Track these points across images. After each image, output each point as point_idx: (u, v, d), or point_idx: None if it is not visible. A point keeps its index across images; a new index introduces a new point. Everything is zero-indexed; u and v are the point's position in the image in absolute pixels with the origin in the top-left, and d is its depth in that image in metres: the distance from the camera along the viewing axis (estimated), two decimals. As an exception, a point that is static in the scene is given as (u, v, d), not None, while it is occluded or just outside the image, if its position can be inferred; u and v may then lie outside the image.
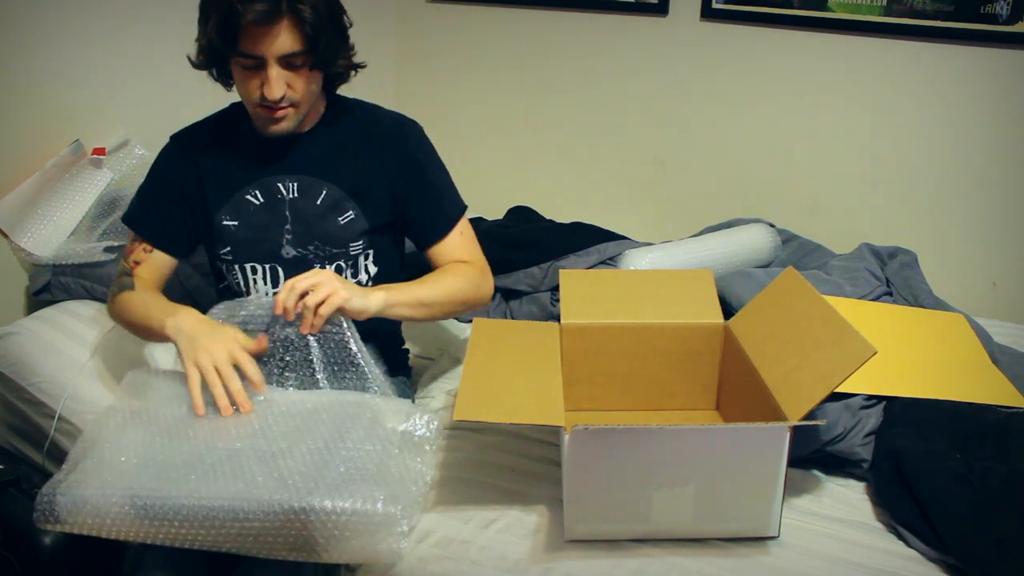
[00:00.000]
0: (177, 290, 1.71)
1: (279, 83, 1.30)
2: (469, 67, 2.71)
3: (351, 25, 1.39)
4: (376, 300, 1.33)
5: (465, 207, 1.55)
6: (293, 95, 1.33)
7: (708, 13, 2.34)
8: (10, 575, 1.47)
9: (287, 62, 1.30)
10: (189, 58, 1.37)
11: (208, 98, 1.51)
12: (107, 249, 1.77)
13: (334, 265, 1.45)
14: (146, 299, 1.38)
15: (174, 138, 1.50)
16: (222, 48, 1.29)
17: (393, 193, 1.47)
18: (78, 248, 1.78)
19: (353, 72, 1.44)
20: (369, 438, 1.20)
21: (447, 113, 2.77)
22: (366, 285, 1.48)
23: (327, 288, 1.27)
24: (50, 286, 1.78)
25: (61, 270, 1.77)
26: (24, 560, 1.47)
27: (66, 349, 1.63)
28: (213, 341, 1.24)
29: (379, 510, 1.08)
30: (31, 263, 1.80)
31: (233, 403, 1.23)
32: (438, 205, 1.51)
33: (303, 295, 1.27)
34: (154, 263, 1.46)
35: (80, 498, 1.09)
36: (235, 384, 1.23)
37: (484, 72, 2.69)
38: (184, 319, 1.29)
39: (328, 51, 1.33)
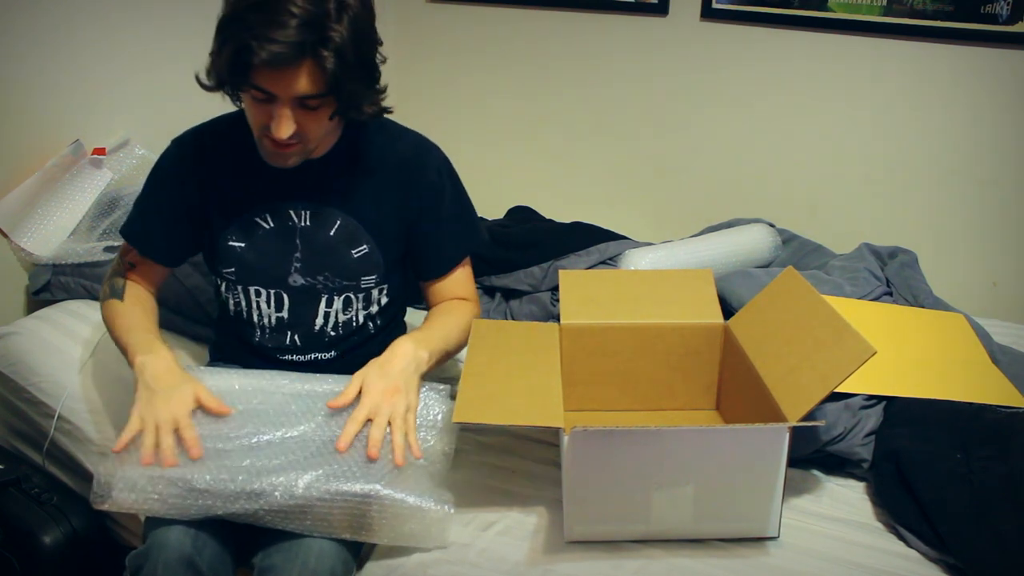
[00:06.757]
0: (176, 289, 1.71)
1: (287, 124, 1.18)
2: (469, 67, 2.70)
3: (384, 61, 1.27)
4: (418, 378, 1.30)
5: (477, 242, 1.50)
6: (303, 134, 1.21)
7: (708, 13, 2.34)
8: (10, 575, 1.47)
9: (302, 102, 1.18)
10: (197, 77, 1.23)
11: (210, 98, 1.41)
12: (107, 249, 1.77)
13: (343, 297, 1.40)
14: (130, 321, 1.32)
15: (177, 143, 1.40)
16: (231, 83, 1.19)
17: (407, 224, 1.40)
18: (78, 248, 1.79)
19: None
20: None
21: (447, 113, 2.77)
22: (376, 316, 1.45)
23: (387, 412, 1.23)
24: (50, 286, 1.78)
25: (61, 270, 1.77)
26: (24, 560, 1.47)
27: (66, 349, 1.63)
28: (167, 400, 1.18)
29: (432, 505, 1.20)
30: (31, 263, 1.80)
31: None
32: (446, 242, 1.45)
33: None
34: (149, 266, 1.42)
35: (132, 483, 1.13)
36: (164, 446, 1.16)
37: (484, 72, 2.69)
38: (152, 364, 1.23)
39: (351, 98, 1.20)
